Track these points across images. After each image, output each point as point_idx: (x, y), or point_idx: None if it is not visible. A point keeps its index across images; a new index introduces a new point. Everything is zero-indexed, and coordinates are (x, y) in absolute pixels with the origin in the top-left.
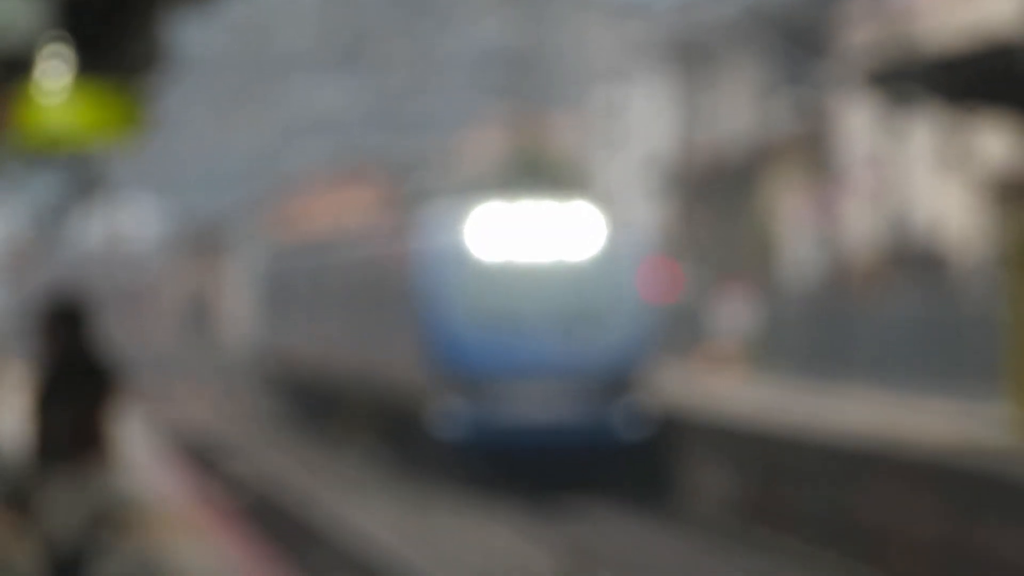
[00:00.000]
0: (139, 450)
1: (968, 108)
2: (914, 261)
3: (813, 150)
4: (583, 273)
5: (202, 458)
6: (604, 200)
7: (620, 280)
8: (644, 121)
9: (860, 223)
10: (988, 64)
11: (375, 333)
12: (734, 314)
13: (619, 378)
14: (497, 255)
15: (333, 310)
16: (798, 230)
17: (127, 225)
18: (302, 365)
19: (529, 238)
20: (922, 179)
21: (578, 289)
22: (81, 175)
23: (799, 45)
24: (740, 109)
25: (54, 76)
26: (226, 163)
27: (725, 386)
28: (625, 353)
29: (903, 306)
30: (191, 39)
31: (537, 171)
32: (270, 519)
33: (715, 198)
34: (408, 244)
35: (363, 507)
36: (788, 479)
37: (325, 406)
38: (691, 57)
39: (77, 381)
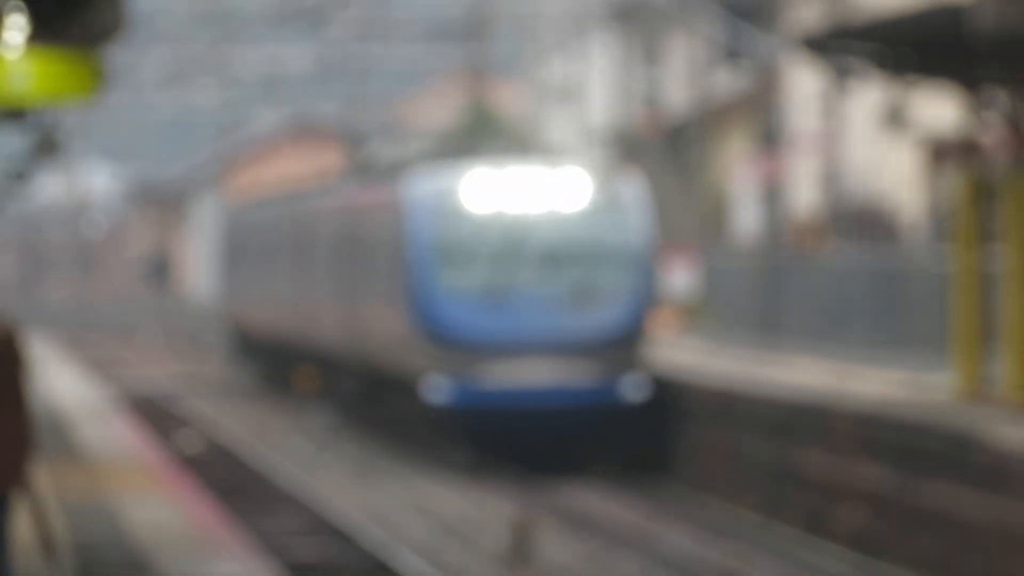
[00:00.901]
0: (92, 404)
1: (908, 71)
2: (855, 220)
3: (760, 113)
4: (581, 229)
5: (155, 413)
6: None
7: (620, 235)
8: (593, 85)
9: (805, 185)
10: (924, 26)
11: (351, 289)
12: (679, 277)
13: (621, 339)
14: (491, 211)
15: (302, 267)
16: (745, 192)
17: (87, 182)
18: (264, 323)
19: (523, 195)
20: (865, 141)
21: (576, 246)
22: (42, 133)
23: (746, 15)
24: (688, 74)
25: (14, 35)
26: (186, 123)
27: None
28: (628, 312)
29: (843, 263)
30: (151, 1)
31: (487, 132)
32: (220, 474)
33: (663, 161)
34: (389, 198)
35: (313, 466)
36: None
37: (285, 363)
38: (640, 23)
39: None
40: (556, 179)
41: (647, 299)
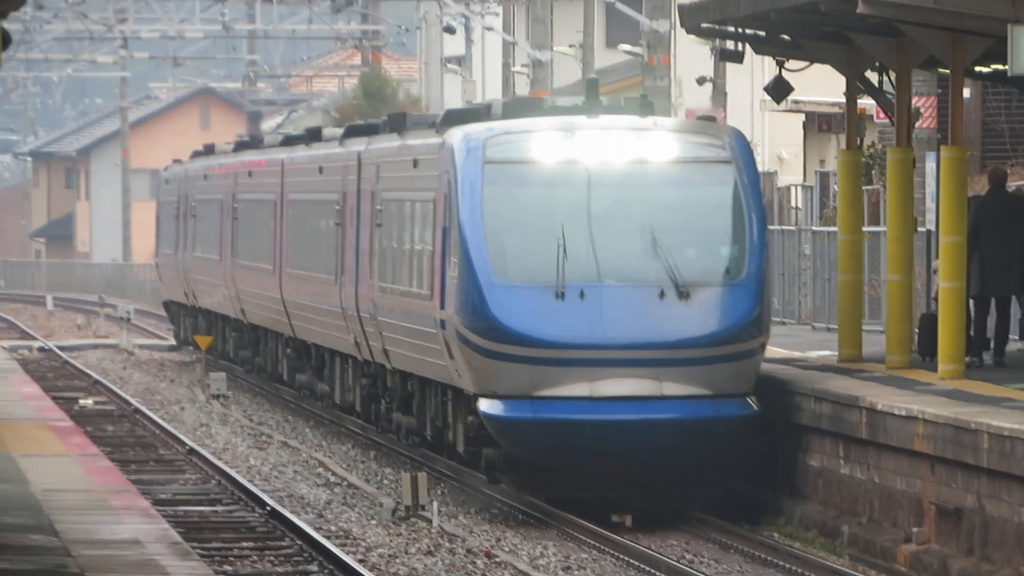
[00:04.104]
0: None
1: (787, 45)
2: None
3: (653, 82)
4: (681, 200)
5: (56, 375)
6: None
7: (731, 206)
8: (488, 55)
9: None
10: (806, 5)
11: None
12: None
13: (734, 345)
14: (561, 178)
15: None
16: None
17: None
18: (202, 288)
19: (604, 158)
20: (750, 111)
21: (667, 219)
22: None
23: None
24: (577, 51)
25: None
26: (88, 91)
27: None
28: (747, 306)
29: None
30: None
31: (382, 99)
32: (118, 435)
33: None
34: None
35: (216, 434)
36: None
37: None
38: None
39: None
40: (646, 139)
41: (765, 288)
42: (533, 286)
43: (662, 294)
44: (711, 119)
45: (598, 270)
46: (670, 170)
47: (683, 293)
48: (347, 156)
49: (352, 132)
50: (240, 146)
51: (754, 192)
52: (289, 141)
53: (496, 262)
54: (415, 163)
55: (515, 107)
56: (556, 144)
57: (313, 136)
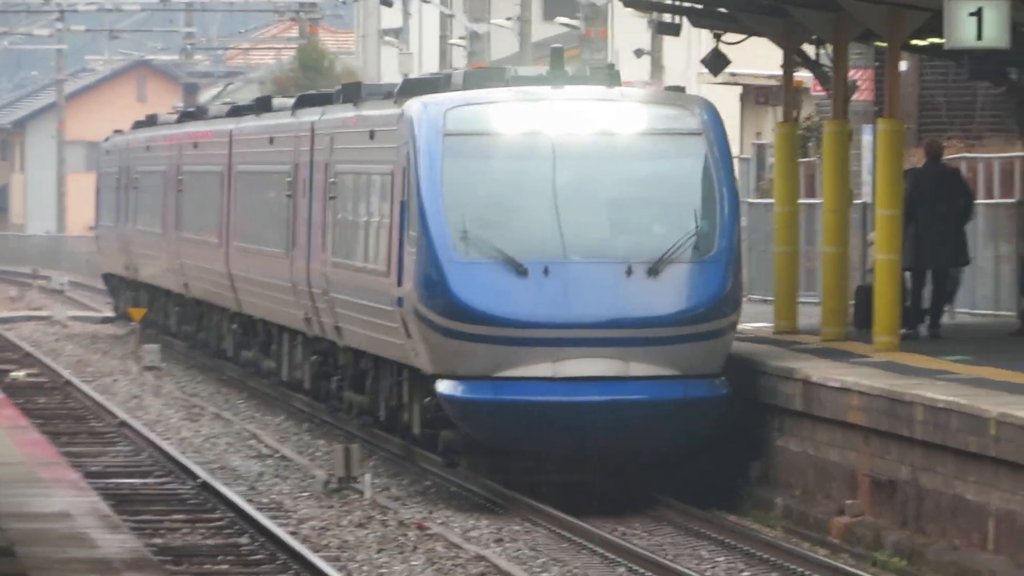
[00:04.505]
0: None
1: (724, 17)
2: None
3: (590, 55)
4: (650, 172)
5: None
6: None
7: (702, 178)
8: (425, 28)
9: None
10: None
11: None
12: None
13: (705, 324)
14: (525, 150)
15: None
16: None
17: None
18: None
19: (568, 129)
20: (687, 83)
21: (634, 192)
22: None
23: None
24: (514, 24)
25: None
26: (22, 62)
27: None
28: (719, 283)
29: None
30: None
31: (318, 73)
32: (50, 408)
33: None
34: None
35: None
36: None
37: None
38: None
39: None
40: (613, 110)
41: (737, 264)
42: (495, 262)
43: (629, 271)
44: (680, 89)
45: (563, 246)
46: (638, 142)
47: (652, 270)
48: (299, 127)
49: (304, 102)
50: (185, 116)
51: (725, 165)
52: (237, 111)
53: (456, 238)
54: (371, 134)
55: (476, 77)
56: (519, 115)
57: (263, 106)
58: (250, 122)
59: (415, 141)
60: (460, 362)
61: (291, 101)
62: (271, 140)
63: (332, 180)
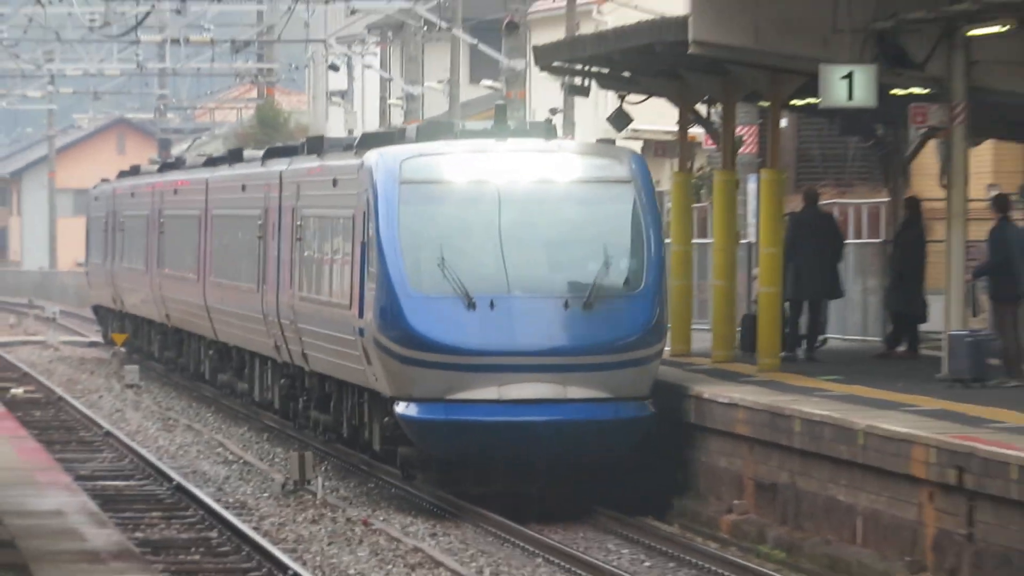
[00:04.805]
0: None
1: (627, 80)
2: None
3: (511, 114)
4: (584, 216)
5: None
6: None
7: (631, 221)
8: (367, 90)
9: None
10: (642, 44)
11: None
12: None
13: (633, 352)
14: (472, 196)
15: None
16: None
17: None
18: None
19: (511, 177)
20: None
21: (570, 233)
22: None
23: (496, 34)
24: (444, 84)
25: None
26: (18, 121)
27: None
28: (646, 315)
29: None
30: None
31: (274, 128)
32: (44, 420)
33: None
34: (347, 178)
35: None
36: None
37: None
38: (402, 39)
39: None
40: (552, 160)
41: (662, 298)
42: (446, 297)
43: (567, 304)
44: (611, 142)
45: (507, 282)
46: (573, 189)
47: (586, 304)
48: (269, 175)
49: (272, 153)
50: (165, 167)
51: (651, 210)
52: (212, 162)
53: (412, 274)
54: (334, 182)
55: (428, 131)
56: (468, 165)
57: (235, 157)
58: (224, 171)
59: (374, 188)
60: (415, 386)
61: (260, 152)
62: (243, 187)
63: (299, 223)
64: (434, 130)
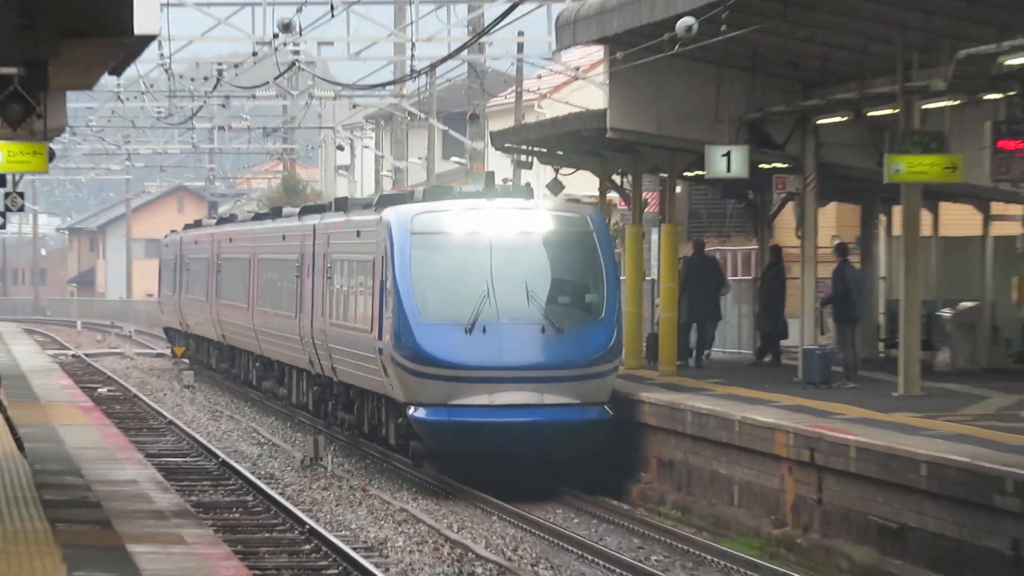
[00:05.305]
0: (41, 365)
1: (561, 157)
2: None
3: (474, 181)
4: (555, 261)
5: (81, 372)
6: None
7: (592, 265)
8: (365, 164)
9: None
10: (571, 131)
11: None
12: None
13: (595, 367)
14: (469, 245)
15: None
16: None
17: (39, 225)
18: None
19: (498, 230)
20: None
21: (545, 273)
22: (9, 194)
23: (461, 122)
24: (424, 160)
25: None
26: (103, 187)
27: None
28: (604, 339)
29: None
30: (85, 105)
31: (296, 194)
32: (122, 410)
33: None
34: (372, 229)
35: (184, 413)
36: None
37: (199, 347)
38: (391, 126)
39: None
40: (530, 216)
41: (618, 325)
42: (448, 323)
43: (543, 329)
44: (577, 201)
45: (496, 312)
46: (547, 238)
47: (559, 329)
48: (304, 227)
49: (306, 210)
50: (221, 220)
51: (609, 254)
52: (258, 217)
53: (420, 306)
54: (358, 233)
55: (433, 193)
56: (465, 220)
57: (276, 213)
58: (268, 224)
59: (391, 238)
60: (423, 393)
61: (297, 210)
62: (284, 237)
63: (328, 265)
64: (438, 192)
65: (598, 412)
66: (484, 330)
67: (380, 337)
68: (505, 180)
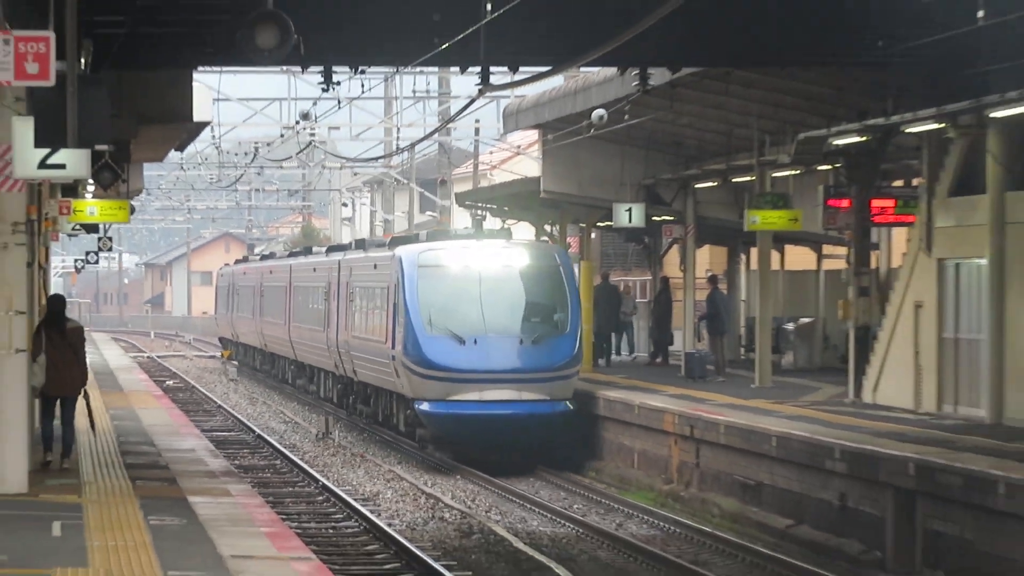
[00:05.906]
0: (124, 363)
1: (507, 211)
2: None
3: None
4: (529, 287)
5: (155, 369)
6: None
7: (558, 291)
8: (363, 217)
9: None
10: (516, 193)
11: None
12: None
13: (562, 371)
14: (463, 274)
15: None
16: None
17: (123, 261)
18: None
19: (486, 263)
20: None
21: (522, 297)
22: (101, 238)
23: (433, 185)
24: (407, 213)
25: (88, 194)
26: (170, 233)
27: None
28: (569, 349)
29: None
30: (157, 173)
31: (312, 238)
32: (185, 397)
33: None
34: (387, 262)
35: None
36: None
37: (251, 358)
38: (382, 188)
39: (55, 337)
40: (510, 252)
41: (580, 337)
42: (446, 336)
43: (521, 341)
44: (546, 241)
45: (485, 327)
46: (524, 270)
47: (534, 341)
48: (331, 262)
49: (332, 249)
50: (264, 257)
51: (572, 282)
52: (293, 254)
53: (425, 322)
54: (375, 266)
55: (435, 235)
56: (459, 255)
57: (307, 251)
58: (301, 259)
59: (402, 270)
60: (427, 391)
61: (324, 248)
62: (314, 269)
63: (351, 291)
64: (439, 234)
65: (564, 406)
66: (475, 342)
67: (393, 346)
68: (464, 230)
